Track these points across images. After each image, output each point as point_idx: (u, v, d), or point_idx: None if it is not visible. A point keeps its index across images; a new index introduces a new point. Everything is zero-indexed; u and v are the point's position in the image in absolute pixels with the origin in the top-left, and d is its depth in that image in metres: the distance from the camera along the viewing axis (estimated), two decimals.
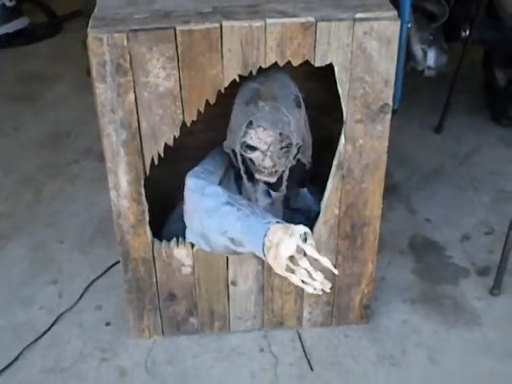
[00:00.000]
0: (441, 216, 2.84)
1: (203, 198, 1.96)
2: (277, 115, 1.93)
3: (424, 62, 2.70)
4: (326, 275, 1.75)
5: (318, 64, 1.87)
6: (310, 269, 1.66)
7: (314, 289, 1.74)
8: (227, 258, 2.17)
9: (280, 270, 1.71)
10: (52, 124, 3.46)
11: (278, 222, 1.79)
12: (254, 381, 2.18)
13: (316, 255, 1.67)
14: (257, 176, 2.07)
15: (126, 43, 1.79)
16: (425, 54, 2.74)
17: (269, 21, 1.80)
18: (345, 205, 2.10)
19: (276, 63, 1.86)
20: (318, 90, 2.29)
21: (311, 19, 1.80)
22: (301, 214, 2.29)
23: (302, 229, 1.70)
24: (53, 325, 2.36)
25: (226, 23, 1.79)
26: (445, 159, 3.19)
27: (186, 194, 2.04)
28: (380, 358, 2.25)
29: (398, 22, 1.83)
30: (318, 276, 1.67)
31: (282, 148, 1.98)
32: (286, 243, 1.66)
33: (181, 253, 2.15)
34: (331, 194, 2.09)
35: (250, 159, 2.03)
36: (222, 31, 1.80)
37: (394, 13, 1.84)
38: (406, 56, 2.60)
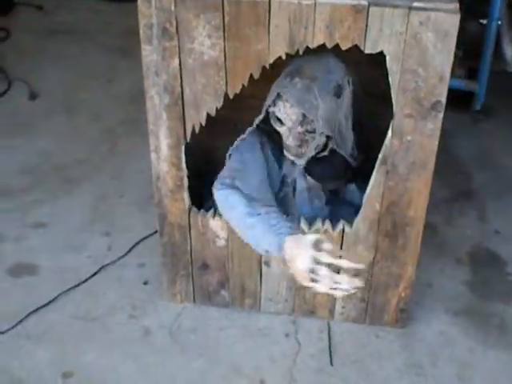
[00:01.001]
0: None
1: (227, 211, 1.99)
2: (306, 95, 1.87)
3: None
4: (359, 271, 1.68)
5: (368, 51, 1.78)
6: (332, 275, 1.61)
7: (345, 290, 1.67)
8: None
9: (305, 282, 1.67)
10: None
11: (291, 234, 1.73)
12: (271, 364, 2.14)
13: (332, 261, 1.61)
14: (285, 153, 2.02)
15: (173, 7, 1.78)
16: None
17: (319, 0, 1.72)
18: (387, 201, 2.01)
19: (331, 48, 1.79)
20: (382, 79, 2.19)
21: (364, 2, 1.71)
22: (348, 207, 2.21)
23: (312, 238, 1.64)
24: (94, 275, 2.43)
25: None
26: None
27: (216, 199, 2.03)
28: (407, 365, 2.15)
29: (458, 16, 1.70)
30: (342, 279, 1.61)
31: (308, 132, 1.92)
32: (301, 257, 1.62)
33: (216, 224, 2.13)
34: (373, 189, 2.00)
35: (279, 133, 1.98)
36: (270, 6, 1.74)
37: (456, 5, 1.71)
38: (496, 56, 2.42)
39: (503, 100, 2.83)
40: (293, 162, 2.08)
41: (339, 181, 2.17)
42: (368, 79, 2.15)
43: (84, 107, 3.38)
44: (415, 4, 1.71)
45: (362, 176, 2.16)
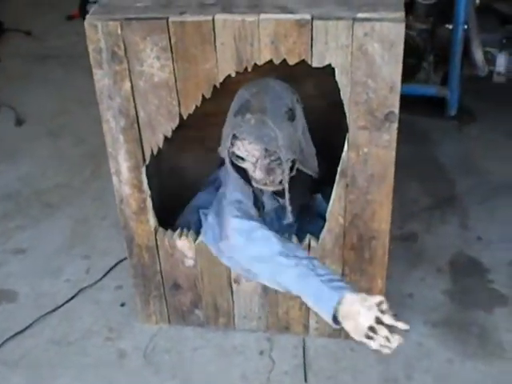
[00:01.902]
0: (495, 236, 2.62)
1: (251, 243, 1.90)
2: (262, 129, 1.85)
3: (485, 67, 2.46)
4: None
5: (315, 64, 1.77)
6: (389, 336, 1.64)
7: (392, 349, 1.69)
8: None
9: (359, 337, 1.68)
10: None
11: (350, 291, 1.71)
12: (243, 383, 2.13)
13: (394, 323, 1.64)
14: (254, 184, 2.00)
15: (119, 31, 1.78)
16: (494, 58, 2.51)
17: (262, 16, 1.72)
18: (350, 214, 1.99)
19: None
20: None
21: (307, 17, 1.70)
22: (317, 220, 2.20)
23: (377, 299, 1.66)
24: (71, 299, 2.44)
25: (218, 16, 1.74)
26: None
27: (230, 233, 1.96)
28: (382, 379, 2.12)
29: (403, 24, 1.68)
30: (395, 339, 1.64)
31: (272, 161, 1.91)
32: (365, 316, 1.64)
33: (183, 244, 2.13)
34: (335, 202, 1.98)
35: (243, 168, 1.97)
36: (215, 24, 1.74)
37: (401, 14, 1.70)
38: (466, 61, 2.39)
39: (482, 104, 2.79)
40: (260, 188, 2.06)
41: (305, 197, 2.15)
42: (331, 90, 2.13)
43: (68, 131, 3.40)
44: (359, 15, 1.69)
45: (327, 185, 2.15)
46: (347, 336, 2.19)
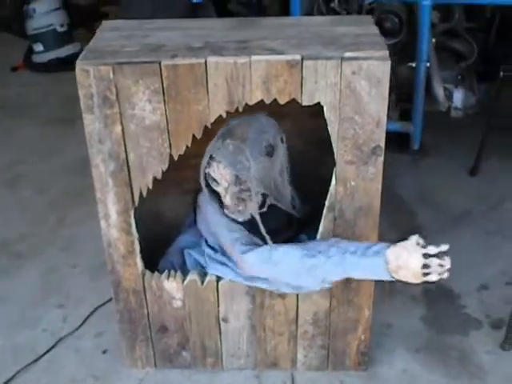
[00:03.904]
0: (461, 263, 2.67)
1: (276, 267, 1.93)
2: (238, 156, 1.92)
3: (446, 102, 2.60)
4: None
5: (305, 103, 1.84)
6: (441, 262, 1.75)
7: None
8: (218, 294, 2.14)
9: (419, 280, 1.77)
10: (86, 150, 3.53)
11: (387, 247, 1.80)
12: None
13: (439, 249, 1.75)
14: (225, 211, 2.04)
15: (111, 76, 1.81)
16: (451, 94, 2.65)
17: (254, 58, 1.78)
18: None
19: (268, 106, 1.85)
20: (324, 127, 2.26)
21: (297, 57, 1.77)
22: None
23: (414, 239, 1.78)
24: (52, 348, 2.39)
25: (210, 59, 1.79)
26: (476, 203, 3.08)
27: (251, 270, 1.99)
28: None
29: (388, 62, 1.78)
30: (447, 260, 1.76)
31: (242, 190, 1.96)
32: (414, 259, 1.73)
33: (171, 285, 2.13)
34: (323, 236, 2.03)
35: (217, 192, 2.02)
36: (207, 67, 1.79)
37: (386, 52, 1.79)
38: (428, 97, 2.52)
39: (439, 138, 2.93)
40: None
41: (286, 233, 2.19)
42: (309, 129, 2.21)
43: (26, 181, 3.36)
44: (347, 54, 1.78)
45: (311, 226, 2.20)
46: (334, 368, 2.28)
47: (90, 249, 2.85)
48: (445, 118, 2.71)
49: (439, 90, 2.54)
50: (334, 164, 1.94)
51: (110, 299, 2.54)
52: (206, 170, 1.99)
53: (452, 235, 2.88)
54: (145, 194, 1.99)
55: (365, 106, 1.83)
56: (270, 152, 1.95)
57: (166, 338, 2.25)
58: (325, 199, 2.02)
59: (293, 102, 1.94)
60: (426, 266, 1.73)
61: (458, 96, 2.70)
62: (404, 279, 1.78)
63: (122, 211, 2.01)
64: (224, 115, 1.87)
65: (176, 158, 1.93)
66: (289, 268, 1.92)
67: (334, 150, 1.90)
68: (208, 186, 2.05)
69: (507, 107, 3.19)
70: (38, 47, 4.25)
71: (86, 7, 5.02)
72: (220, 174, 1.96)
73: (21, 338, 2.44)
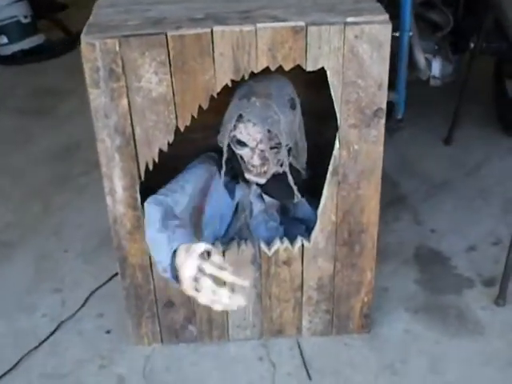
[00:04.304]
0: (447, 227, 2.81)
1: (147, 227, 1.98)
2: (267, 112, 1.96)
3: (427, 71, 2.68)
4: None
5: (309, 68, 1.87)
6: (213, 287, 1.62)
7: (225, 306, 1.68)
8: None
9: (189, 291, 1.67)
10: (63, 137, 3.52)
11: (186, 237, 1.76)
12: None
13: (214, 272, 1.63)
14: (246, 175, 2.09)
15: (118, 48, 1.81)
16: (429, 63, 2.72)
17: (259, 25, 1.81)
18: (341, 211, 2.09)
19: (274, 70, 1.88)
20: (318, 98, 2.30)
21: (301, 23, 1.81)
22: (300, 223, 2.29)
23: (201, 246, 1.67)
24: (53, 332, 2.37)
25: (216, 28, 1.80)
26: (453, 170, 3.17)
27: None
28: (380, 367, 2.22)
29: (389, 26, 1.83)
30: (222, 293, 1.63)
31: (271, 148, 1.99)
32: (186, 264, 1.65)
33: None
34: (327, 201, 2.08)
35: (241, 156, 2.04)
36: (213, 36, 1.81)
37: (386, 16, 1.84)
38: (409, 65, 2.58)
39: (413, 110, 2.99)
40: (248, 186, 2.13)
41: (289, 198, 2.23)
42: (305, 101, 2.25)
43: (2, 170, 3.30)
44: (349, 19, 1.82)
45: (308, 191, 2.25)
46: (338, 332, 2.33)
47: (80, 234, 2.84)
48: (418, 89, 2.77)
49: (420, 58, 2.61)
50: (336, 129, 1.98)
51: (108, 281, 2.58)
52: (232, 134, 2.01)
53: (434, 202, 2.97)
54: (151, 167, 2.00)
55: (367, 70, 1.88)
56: (293, 105, 2.02)
57: (172, 313, 2.26)
58: (323, 168, 2.07)
59: (287, 74, 1.99)
60: (196, 279, 1.63)
61: (436, 65, 2.79)
62: (179, 282, 1.70)
63: (129, 186, 2.02)
64: (230, 84, 1.89)
65: (182, 129, 1.94)
66: (151, 237, 1.94)
67: (337, 115, 1.94)
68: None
69: (478, 77, 3.30)
70: (2, 39, 4.17)
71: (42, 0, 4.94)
72: (248, 133, 1.99)
73: (20, 324, 2.42)
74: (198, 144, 2.40)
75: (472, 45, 3.13)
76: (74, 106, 3.79)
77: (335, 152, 2.00)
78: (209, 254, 1.71)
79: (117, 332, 2.37)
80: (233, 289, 1.70)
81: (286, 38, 1.82)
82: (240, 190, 2.20)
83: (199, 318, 2.27)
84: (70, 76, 4.09)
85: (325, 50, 1.85)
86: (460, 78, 3.16)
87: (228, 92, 2.03)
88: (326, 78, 1.90)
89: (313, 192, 2.23)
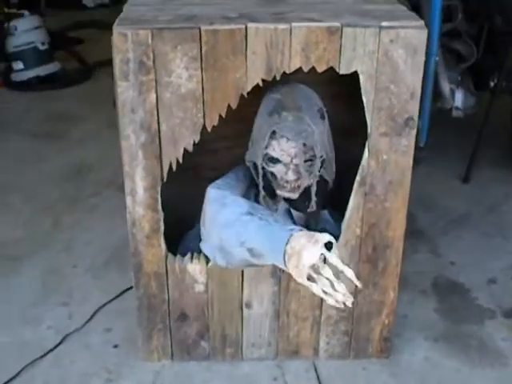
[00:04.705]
0: (467, 260, 2.74)
1: (223, 209, 1.88)
2: (300, 125, 1.90)
3: (451, 99, 2.66)
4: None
5: (342, 71, 1.84)
6: (333, 279, 1.58)
7: (336, 301, 1.64)
8: (242, 278, 2.09)
9: (301, 278, 1.62)
10: (75, 159, 3.48)
11: (301, 230, 1.70)
12: None
13: (340, 265, 1.59)
14: (278, 192, 2.01)
15: (150, 41, 1.78)
16: (452, 93, 2.71)
17: (294, 24, 1.78)
18: (367, 225, 2.03)
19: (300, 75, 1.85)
20: (344, 112, 2.27)
21: (337, 24, 1.79)
22: None
23: (326, 237, 1.61)
24: (59, 344, 2.28)
25: (250, 25, 1.78)
26: (472, 207, 3.12)
27: (206, 204, 1.96)
28: None
29: (425, 31, 1.81)
30: (341, 287, 1.59)
31: (305, 161, 1.94)
32: (309, 251, 1.58)
33: (194, 268, 2.07)
34: (353, 212, 2.02)
35: (272, 173, 1.98)
36: (247, 32, 1.79)
37: (421, 23, 1.82)
38: (433, 94, 2.56)
39: (432, 147, 2.97)
40: (274, 203, 2.06)
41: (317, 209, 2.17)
42: (331, 114, 2.22)
43: (15, 188, 3.25)
44: (384, 23, 1.80)
45: (332, 208, 2.19)
46: (356, 356, 2.23)
47: (90, 250, 2.77)
48: (434, 130, 2.73)
49: (445, 86, 2.60)
50: (361, 145, 1.94)
51: (117, 296, 2.50)
52: (265, 151, 1.94)
53: (454, 236, 2.91)
54: (174, 167, 1.95)
55: (401, 75, 1.85)
56: (322, 115, 1.96)
57: (185, 326, 2.17)
58: (348, 184, 2.02)
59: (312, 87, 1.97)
60: (314, 268, 1.58)
61: (459, 96, 2.77)
62: (290, 269, 1.63)
63: (150, 187, 1.96)
64: (261, 83, 1.86)
65: (209, 129, 1.90)
66: (228, 216, 1.84)
67: (368, 122, 1.90)
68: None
69: (497, 117, 3.29)
70: (18, 65, 4.18)
71: (56, 33, 4.97)
72: (282, 150, 1.92)
73: (25, 335, 2.32)
74: (219, 156, 2.37)
75: (492, 83, 3.13)
76: (87, 131, 3.77)
77: (363, 161, 1.95)
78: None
79: (125, 347, 2.28)
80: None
81: (320, 39, 1.80)
82: (267, 205, 2.13)
83: (212, 333, 2.18)
84: (84, 104, 4.11)
85: (359, 52, 1.82)
86: (480, 113, 3.14)
87: (250, 102, 2.00)
88: (351, 91, 1.88)
89: (338, 209, 2.18)
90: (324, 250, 1.58)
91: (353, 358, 2.24)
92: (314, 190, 2.01)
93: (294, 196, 2.02)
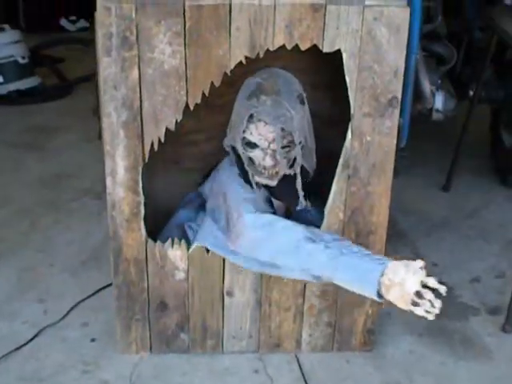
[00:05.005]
0: (449, 261, 2.73)
1: (274, 235, 1.85)
2: (279, 109, 1.88)
3: (431, 99, 2.66)
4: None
5: (326, 49, 1.84)
6: (434, 300, 1.64)
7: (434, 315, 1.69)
8: (223, 265, 2.06)
9: (405, 305, 1.68)
10: (54, 167, 3.42)
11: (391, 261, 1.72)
12: None
13: (437, 286, 1.65)
14: (257, 178, 1.98)
15: (134, 15, 1.77)
16: (433, 95, 2.72)
17: (278, 0, 1.79)
18: (350, 209, 2.01)
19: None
20: (324, 101, 2.27)
21: (321, 1, 1.80)
22: None
23: (420, 264, 1.68)
24: (34, 337, 2.21)
25: (235, 0, 1.79)
26: (453, 212, 3.11)
27: (246, 231, 1.87)
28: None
29: (408, 10, 1.82)
30: (439, 304, 1.64)
31: (283, 147, 1.92)
32: (412, 281, 1.64)
33: (175, 254, 2.03)
34: (336, 196, 2.00)
35: (250, 159, 1.96)
36: (231, 8, 1.79)
37: (404, 2, 1.84)
38: (414, 96, 2.57)
39: (411, 157, 2.98)
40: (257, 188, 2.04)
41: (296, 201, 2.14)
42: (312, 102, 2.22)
43: None
44: (368, 2, 1.81)
45: (315, 199, 2.17)
46: (339, 348, 2.19)
47: (67, 250, 2.71)
48: (413, 140, 2.74)
49: (426, 86, 2.61)
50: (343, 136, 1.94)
51: (95, 292, 2.45)
52: (243, 135, 1.92)
53: (435, 238, 2.89)
54: (156, 147, 1.92)
55: (384, 55, 1.85)
56: (302, 100, 1.94)
57: (164, 317, 2.12)
58: (324, 173, 2.01)
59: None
60: (419, 294, 1.65)
61: (440, 98, 2.78)
62: (391, 299, 1.69)
63: (131, 167, 1.93)
64: (244, 61, 1.85)
65: (192, 107, 1.88)
66: (283, 244, 1.82)
67: (351, 102, 1.90)
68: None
69: (475, 125, 3.31)
70: None
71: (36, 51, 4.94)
72: (260, 134, 1.90)
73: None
74: (201, 147, 2.35)
75: (471, 92, 3.16)
76: (67, 142, 3.72)
77: (347, 143, 1.94)
78: None
79: (103, 340, 2.22)
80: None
81: (304, 16, 1.80)
82: None
83: (193, 324, 2.13)
84: (64, 117, 4.07)
85: (342, 30, 1.83)
86: (459, 121, 3.17)
87: (234, 91, 2.00)
88: (332, 80, 1.88)
89: (319, 201, 2.16)
90: (423, 278, 1.65)
91: (336, 350, 2.19)
92: (299, 182, 1.99)
93: (273, 183, 2.00)
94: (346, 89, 1.88)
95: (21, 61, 4.18)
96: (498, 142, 3.37)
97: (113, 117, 1.87)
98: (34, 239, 2.79)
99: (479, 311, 2.43)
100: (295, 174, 1.97)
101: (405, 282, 1.64)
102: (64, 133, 3.83)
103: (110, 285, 2.26)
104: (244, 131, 1.92)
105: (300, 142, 1.93)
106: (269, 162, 1.94)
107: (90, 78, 4.25)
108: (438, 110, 2.79)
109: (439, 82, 2.79)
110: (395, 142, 1.95)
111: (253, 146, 1.94)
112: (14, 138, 3.76)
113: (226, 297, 2.10)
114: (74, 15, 5.77)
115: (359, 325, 2.17)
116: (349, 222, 2.03)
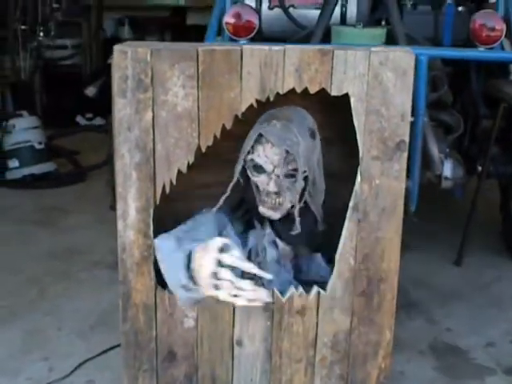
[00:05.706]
0: (463, 327, 2.69)
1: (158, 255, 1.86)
2: (287, 133, 1.93)
3: (440, 165, 2.70)
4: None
5: (334, 93, 1.90)
6: (234, 279, 1.55)
7: (249, 300, 1.60)
8: (234, 312, 2.03)
9: (209, 290, 1.59)
10: (65, 243, 3.45)
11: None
12: None
13: (236, 263, 1.56)
14: (260, 209, 2.00)
15: (149, 58, 1.85)
16: (442, 163, 2.76)
17: (287, 46, 1.87)
18: (361, 254, 2.00)
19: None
20: (336, 157, 2.31)
21: (328, 46, 1.88)
22: (314, 285, 2.17)
23: (218, 241, 1.61)
24: None
25: (246, 46, 1.87)
26: (465, 284, 3.09)
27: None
28: None
29: (413, 55, 1.89)
30: (245, 284, 1.55)
31: (287, 176, 1.95)
32: (204, 261, 1.58)
33: None
34: (346, 241, 1.99)
35: (256, 186, 1.99)
36: (243, 53, 1.87)
37: (410, 49, 1.92)
38: (422, 163, 2.61)
39: (422, 235, 3.00)
40: (262, 229, 2.05)
41: (309, 246, 2.14)
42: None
43: (1, 266, 3.20)
44: (374, 48, 1.89)
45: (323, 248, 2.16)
46: None
47: (76, 315, 2.70)
48: (423, 215, 2.77)
49: (434, 150, 2.65)
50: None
51: (102, 352, 2.40)
52: (249, 157, 1.96)
53: (449, 307, 2.86)
54: (168, 189, 1.94)
55: (390, 98, 1.90)
56: (313, 134, 1.98)
57: (172, 368, 2.06)
58: (339, 228, 2.02)
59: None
60: (215, 274, 1.56)
61: (448, 166, 2.81)
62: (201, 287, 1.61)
63: (142, 209, 1.94)
64: (255, 104, 1.91)
65: (204, 149, 1.92)
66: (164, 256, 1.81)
67: (360, 146, 1.93)
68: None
69: (485, 202, 3.34)
70: (14, 163, 4.26)
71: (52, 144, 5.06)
72: (266, 155, 1.94)
73: None
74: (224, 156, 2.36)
75: (479, 168, 3.20)
76: (79, 222, 3.76)
77: (356, 186, 1.96)
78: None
79: None
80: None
81: (312, 60, 1.87)
82: (253, 237, 2.11)
83: (202, 375, 2.07)
84: (78, 201, 4.14)
85: (350, 74, 1.89)
86: (468, 196, 3.19)
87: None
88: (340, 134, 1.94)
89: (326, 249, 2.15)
90: (216, 254, 1.56)
91: None
92: (297, 210, 1.97)
93: (276, 215, 2.00)
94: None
95: (37, 146, 4.30)
96: (508, 218, 3.37)
97: (126, 158, 1.91)
98: (42, 306, 2.78)
99: (495, 371, 2.37)
100: (303, 215, 1.99)
101: (201, 266, 1.56)
102: (77, 214, 3.88)
103: (118, 345, 2.23)
104: (253, 152, 1.97)
105: (304, 172, 1.95)
106: (272, 187, 1.96)
107: (103, 165, 4.37)
108: (446, 178, 2.82)
109: (447, 150, 2.84)
110: (404, 185, 1.97)
111: (259, 169, 1.98)
112: (27, 215, 3.81)
113: (235, 346, 2.05)
114: (90, 112, 5.96)
115: (372, 379, 2.10)
116: (360, 268, 2.01)
